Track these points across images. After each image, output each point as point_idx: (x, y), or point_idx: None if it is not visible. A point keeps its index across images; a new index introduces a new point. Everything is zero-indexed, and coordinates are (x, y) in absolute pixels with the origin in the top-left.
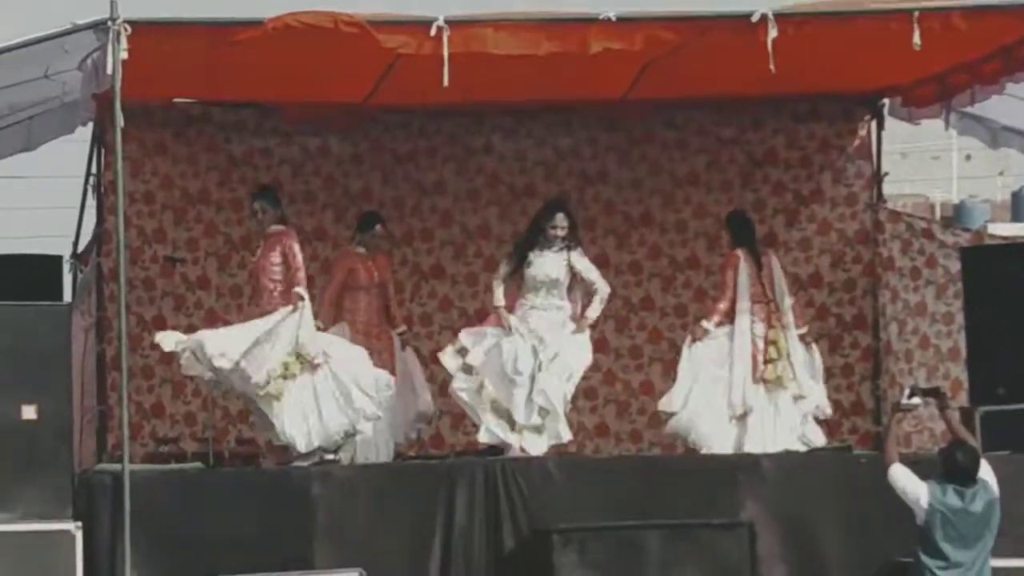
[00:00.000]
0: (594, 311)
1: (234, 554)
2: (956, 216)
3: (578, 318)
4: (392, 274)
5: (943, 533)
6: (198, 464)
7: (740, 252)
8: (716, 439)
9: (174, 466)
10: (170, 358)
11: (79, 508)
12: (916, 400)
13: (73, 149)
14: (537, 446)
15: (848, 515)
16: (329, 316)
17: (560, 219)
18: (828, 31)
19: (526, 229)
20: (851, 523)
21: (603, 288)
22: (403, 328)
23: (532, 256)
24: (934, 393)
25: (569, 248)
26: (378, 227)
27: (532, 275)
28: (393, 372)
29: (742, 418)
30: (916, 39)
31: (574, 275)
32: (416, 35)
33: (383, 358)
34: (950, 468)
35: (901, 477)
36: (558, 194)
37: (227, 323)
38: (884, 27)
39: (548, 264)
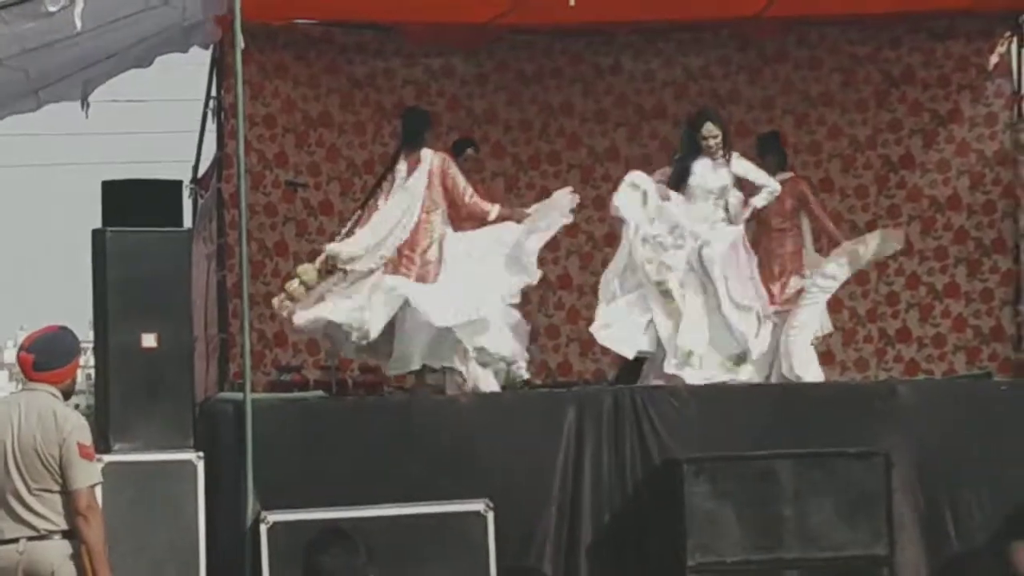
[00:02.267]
0: (760, 200)
1: (358, 485)
2: None
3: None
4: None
5: None
6: (320, 393)
7: None
8: None
9: (296, 395)
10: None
11: (200, 437)
12: None
13: (192, 72)
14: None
15: (987, 445)
16: None
17: (710, 128)
18: None
19: (679, 145)
20: (990, 454)
21: (772, 185)
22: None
23: (693, 167)
24: None
25: (727, 156)
26: (469, 151)
27: (694, 186)
28: None
29: None
30: None
31: (739, 181)
32: None
33: None
34: None
35: None
36: (703, 107)
37: None
38: None
39: (709, 175)
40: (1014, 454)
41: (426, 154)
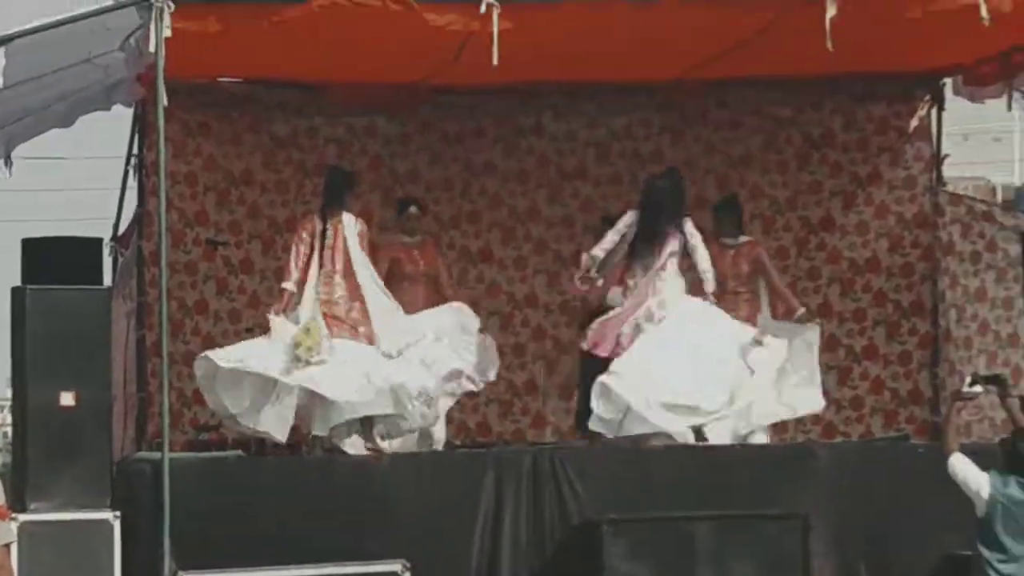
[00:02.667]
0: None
1: (275, 544)
2: (1018, 199)
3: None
4: (443, 260)
5: (1003, 525)
6: (239, 452)
7: None
8: None
9: (215, 454)
10: (211, 344)
11: (118, 497)
12: (977, 388)
13: (114, 130)
14: None
15: (905, 506)
16: None
17: None
18: (889, 7)
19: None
20: (908, 515)
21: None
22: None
23: None
24: (995, 380)
25: None
26: (411, 209)
27: None
28: None
29: None
30: (984, 13)
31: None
32: (465, 14)
33: None
34: (1012, 459)
35: (961, 467)
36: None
37: (268, 306)
38: (948, 3)
39: None
40: (931, 517)
41: (350, 219)
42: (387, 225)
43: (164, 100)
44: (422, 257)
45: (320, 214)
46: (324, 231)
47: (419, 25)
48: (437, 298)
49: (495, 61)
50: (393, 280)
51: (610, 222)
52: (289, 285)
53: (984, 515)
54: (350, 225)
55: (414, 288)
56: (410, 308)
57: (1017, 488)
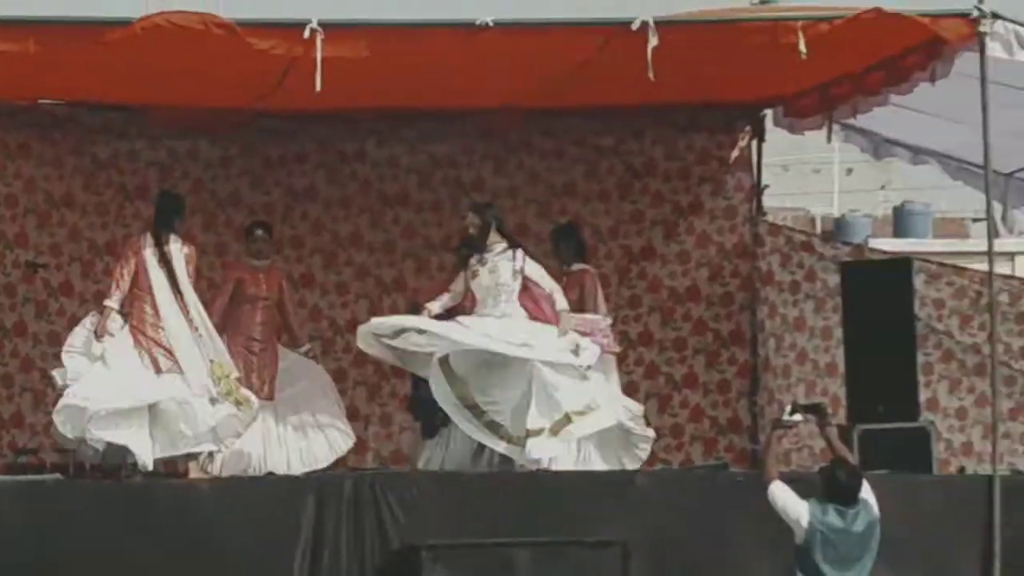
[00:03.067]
0: None
1: (93, 570)
2: (837, 231)
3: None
4: (287, 286)
5: (823, 553)
6: (57, 475)
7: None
8: None
9: (32, 477)
10: (30, 366)
11: None
12: (796, 417)
13: None
14: None
15: (724, 535)
16: (217, 329)
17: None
18: (710, 39)
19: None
20: (726, 542)
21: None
22: (307, 347)
23: None
24: (814, 409)
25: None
26: (258, 232)
27: None
28: (271, 393)
29: None
30: (802, 47)
31: None
32: (288, 39)
33: (262, 376)
34: (831, 487)
35: (781, 495)
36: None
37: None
38: (767, 36)
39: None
40: (749, 545)
41: (176, 243)
42: (208, 248)
43: None
44: (266, 281)
45: (150, 236)
46: (158, 253)
47: (242, 49)
48: (276, 322)
49: (318, 87)
50: (235, 302)
51: (432, 248)
52: (112, 303)
53: (803, 543)
54: (176, 249)
55: (254, 311)
56: (244, 329)
57: (836, 516)
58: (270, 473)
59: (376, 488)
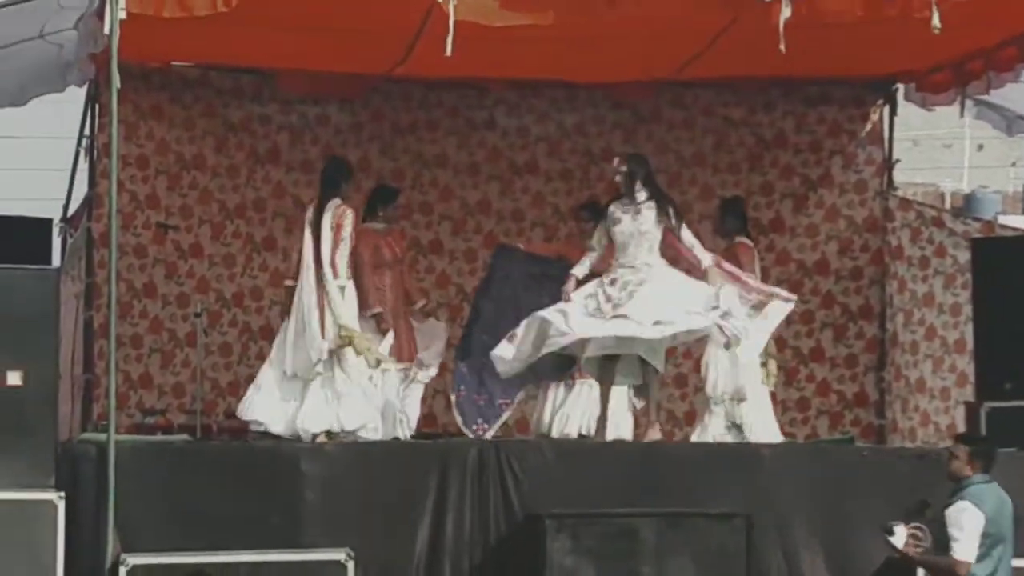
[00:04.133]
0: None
1: (220, 530)
2: (967, 207)
3: None
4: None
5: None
6: (185, 436)
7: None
8: None
9: (160, 437)
10: (159, 327)
11: (62, 478)
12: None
13: (67, 111)
14: None
15: (848, 508)
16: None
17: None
18: (843, 11)
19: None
20: (851, 517)
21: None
22: (423, 301)
23: None
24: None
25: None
26: (399, 198)
27: None
28: (412, 355)
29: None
30: (936, 22)
31: None
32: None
33: (403, 339)
34: None
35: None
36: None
37: (218, 292)
38: (902, 8)
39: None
40: (874, 519)
41: (330, 205)
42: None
43: (118, 82)
44: (397, 244)
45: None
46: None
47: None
48: (402, 286)
49: (448, 52)
50: (373, 268)
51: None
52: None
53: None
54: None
55: (391, 275)
56: (390, 295)
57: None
58: (395, 439)
59: (501, 456)
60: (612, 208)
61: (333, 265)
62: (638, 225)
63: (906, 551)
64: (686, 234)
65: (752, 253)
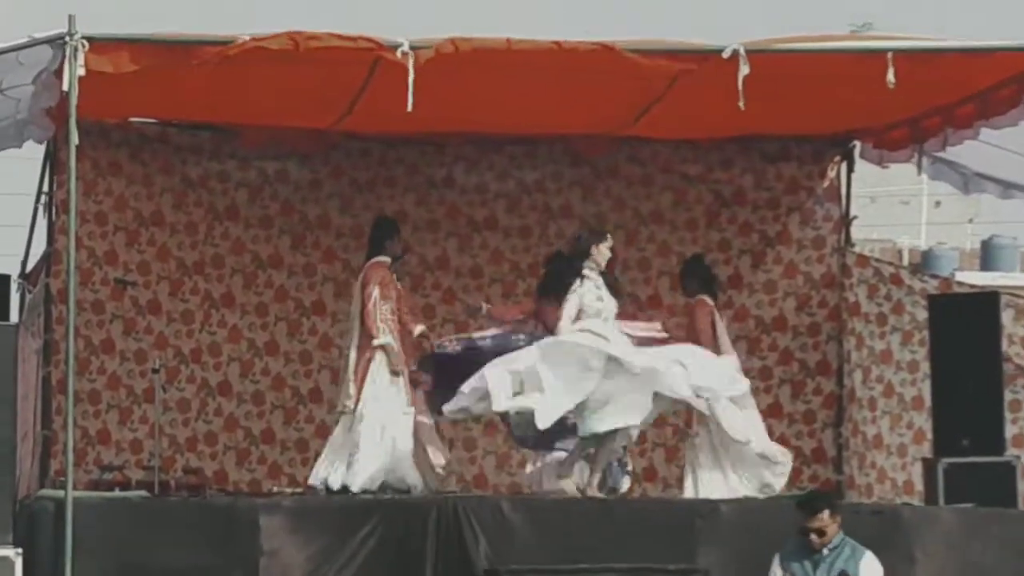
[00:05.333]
0: None
1: None
2: (924, 263)
3: None
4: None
5: None
6: (143, 492)
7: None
8: None
9: (118, 494)
10: (117, 383)
11: (20, 534)
12: None
13: (24, 167)
14: None
15: None
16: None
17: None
18: (800, 68)
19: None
20: None
21: None
22: (422, 327)
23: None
24: None
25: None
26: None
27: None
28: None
29: None
30: (890, 77)
31: None
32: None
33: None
34: None
35: None
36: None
37: (176, 349)
38: (858, 65)
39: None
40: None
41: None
42: (297, 269)
43: (76, 139)
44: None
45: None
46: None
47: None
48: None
49: (409, 107)
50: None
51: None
52: None
53: None
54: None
55: (397, 310)
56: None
57: None
58: (353, 494)
59: (460, 511)
60: (587, 284)
61: (366, 325)
62: (613, 302)
63: None
64: None
65: (710, 310)
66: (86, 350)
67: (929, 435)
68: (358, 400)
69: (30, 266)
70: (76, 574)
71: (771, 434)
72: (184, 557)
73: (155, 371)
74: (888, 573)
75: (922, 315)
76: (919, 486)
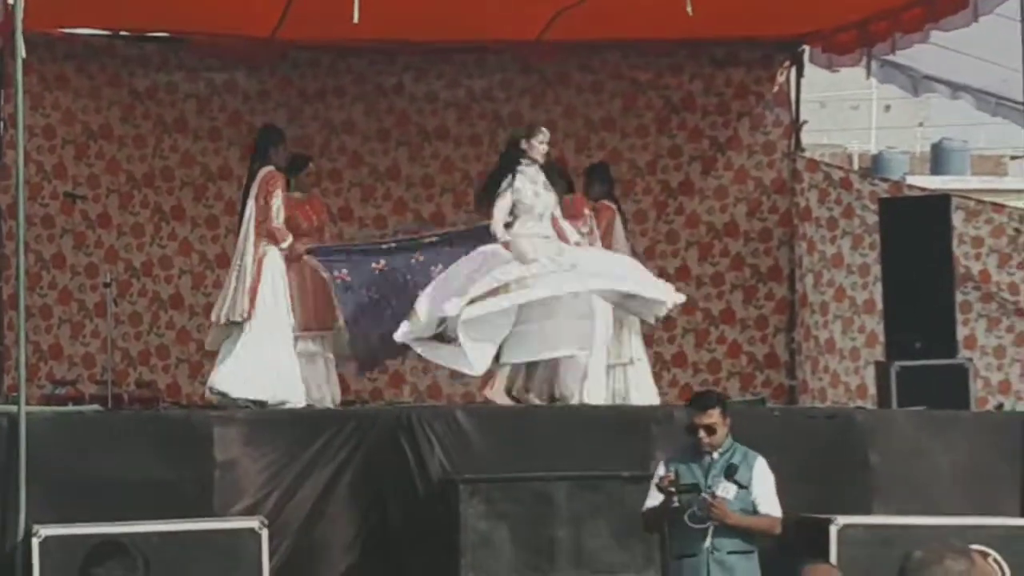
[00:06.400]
0: None
1: (132, 499)
2: (874, 168)
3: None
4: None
5: None
6: (96, 407)
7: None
8: None
9: (71, 408)
10: (68, 298)
11: None
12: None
13: None
14: None
15: None
16: None
17: (546, 134)
18: None
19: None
20: None
21: None
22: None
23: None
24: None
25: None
26: (311, 165)
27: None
28: (330, 324)
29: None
30: None
31: None
32: None
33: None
34: None
35: None
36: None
37: (127, 262)
38: None
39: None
40: (785, 479)
41: (260, 172)
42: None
43: (23, 52)
44: (313, 212)
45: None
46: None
47: None
48: None
49: (356, 18)
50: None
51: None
52: None
53: None
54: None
55: (308, 243)
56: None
57: None
58: (309, 405)
59: (414, 420)
60: (521, 181)
61: (271, 234)
62: (550, 197)
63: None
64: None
65: (612, 214)
66: (36, 265)
67: (881, 338)
68: (251, 310)
69: None
70: (30, 489)
71: (724, 340)
72: (138, 470)
73: (106, 285)
74: (843, 477)
75: (873, 219)
76: (872, 389)
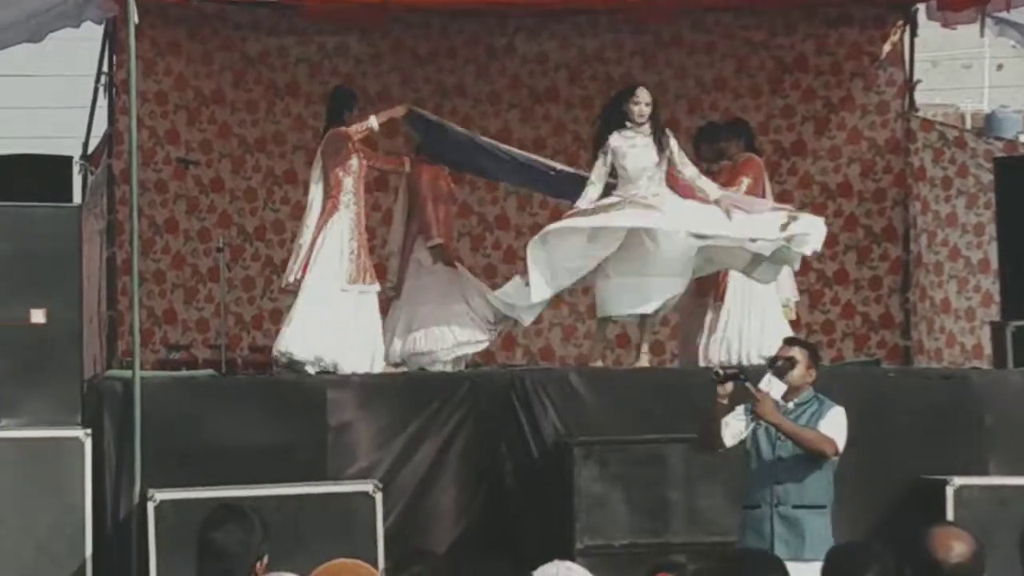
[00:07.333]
0: None
1: (246, 463)
2: (987, 126)
3: None
4: None
5: None
6: (210, 371)
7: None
8: None
9: (185, 373)
10: (182, 263)
11: (88, 415)
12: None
13: (84, 48)
14: None
15: (876, 432)
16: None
17: (643, 94)
18: None
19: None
20: (879, 440)
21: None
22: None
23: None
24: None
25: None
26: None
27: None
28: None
29: None
30: None
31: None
32: None
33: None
34: None
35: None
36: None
37: (240, 227)
38: None
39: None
40: (901, 441)
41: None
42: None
43: (135, 18)
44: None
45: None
46: None
47: None
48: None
49: None
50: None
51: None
52: None
53: None
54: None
55: (448, 210)
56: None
57: None
58: (422, 368)
59: (529, 383)
60: (616, 141)
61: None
62: (648, 159)
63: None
64: (689, 169)
65: (760, 167)
66: (150, 230)
67: (997, 298)
68: (305, 272)
69: (91, 147)
70: (144, 453)
71: (838, 301)
72: (252, 435)
73: (219, 250)
74: (959, 438)
75: (987, 178)
76: (988, 350)
